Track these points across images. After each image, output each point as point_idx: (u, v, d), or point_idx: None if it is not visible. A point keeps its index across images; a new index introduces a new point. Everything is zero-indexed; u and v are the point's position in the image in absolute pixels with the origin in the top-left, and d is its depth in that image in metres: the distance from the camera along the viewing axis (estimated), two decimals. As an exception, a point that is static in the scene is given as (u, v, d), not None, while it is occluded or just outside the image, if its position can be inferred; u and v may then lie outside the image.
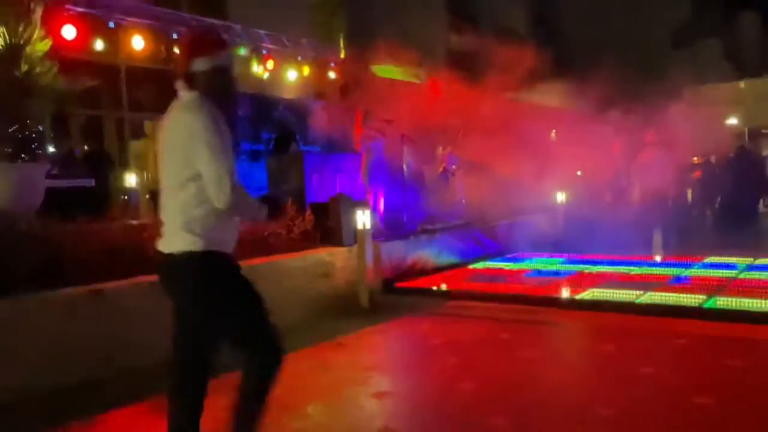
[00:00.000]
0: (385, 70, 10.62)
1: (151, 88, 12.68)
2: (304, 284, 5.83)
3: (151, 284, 4.75)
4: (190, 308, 2.42)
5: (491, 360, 4.30)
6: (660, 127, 10.86)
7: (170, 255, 2.36)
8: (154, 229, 5.92)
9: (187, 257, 2.34)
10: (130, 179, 9.38)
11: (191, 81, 2.38)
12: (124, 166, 11.65)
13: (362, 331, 5.31)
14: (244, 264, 5.58)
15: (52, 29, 8.12)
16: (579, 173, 12.13)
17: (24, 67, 6.18)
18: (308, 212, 6.60)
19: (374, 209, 7.48)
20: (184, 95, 2.40)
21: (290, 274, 5.73)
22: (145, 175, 13.63)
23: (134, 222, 6.91)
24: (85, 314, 4.28)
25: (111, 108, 12.03)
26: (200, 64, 2.37)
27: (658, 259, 7.76)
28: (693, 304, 5.09)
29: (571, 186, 10.42)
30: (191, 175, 2.29)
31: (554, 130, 13.74)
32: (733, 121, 18.54)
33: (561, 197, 9.83)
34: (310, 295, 5.84)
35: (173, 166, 2.34)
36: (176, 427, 2.51)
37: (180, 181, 2.31)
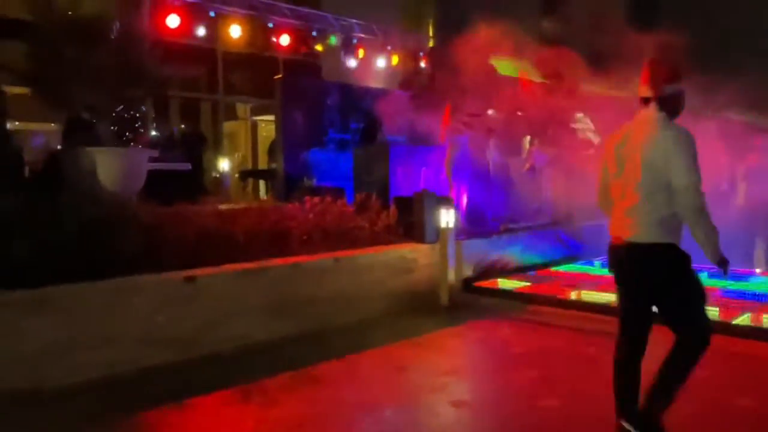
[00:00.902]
0: (504, 66, 10.39)
1: (246, 73, 13.12)
2: (385, 279, 5.87)
3: (241, 272, 4.97)
4: (645, 287, 2.90)
5: (575, 376, 4.18)
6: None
7: (636, 244, 2.86)
8: (242, 216, 6.18)
9: (654, 246, 2.83)
10: (223, 164, 9.74)
11: (662, 103, 2.88)
12: (218, 147, 12.17)
13: (441, 331, 5.31)
14: (330, 255, 5.72)
15: (158, 17, 8.58)
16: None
17: (132, 55, 6.52)
18: (392, 207, 6.63)
19: (457, 205, 7.40)
20: (653, 114, 2.89)
21: (373, 268, 5.79)
22: (236, 155, 14.16)
23: (225, 207, 7.21)
24: (179, 300, 4.51)
25: (207, 91, 12.56)
26: (670, 89, 2.89)
27: (758, 271, 7.24)
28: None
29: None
30: (665, 184, 2.77)
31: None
32: None
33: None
34: (391, 290, 5.89)
35: (650, 175, 2.81)
36: (624, 389, 3.01)
37: (655, 187, 2.80)
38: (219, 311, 4.70)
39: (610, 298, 5.88)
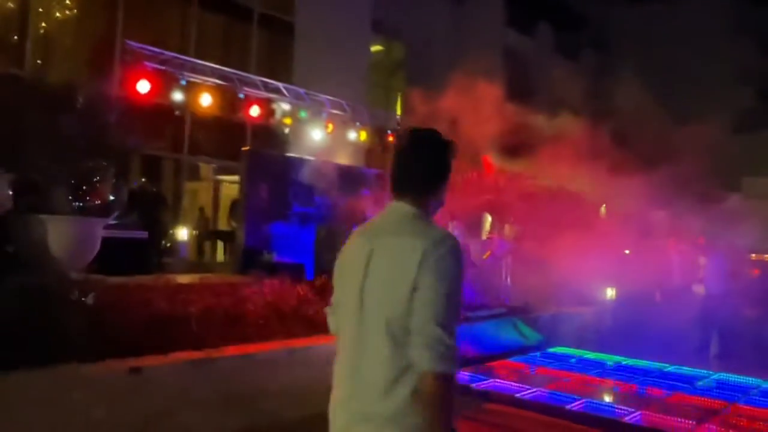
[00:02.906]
0: None
1: (212, 134, 13.07)
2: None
3: (189, 362, 4.75)
4: None
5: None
6: (714, 222, 10.51)
7: None
8: (197, 294, 5.98)
9: None
10: (182, 232, 9.51)
11: None
12: (178, 208, 11.93)
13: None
14: (284, 345, 5.50)
15: (128, 82, 8.53)
16: (627, 252, 11.79)
17: (96, 125, 6.39)
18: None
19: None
20: None
21: (330, 359, 5.62)
22: (198, 215, 13.91)
23: (180, 281, 7.00)
24: (122, 393, 4.26)
25: (172, 150, 12.42)
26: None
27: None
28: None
29: (620, 276, 10.09)
30: None
31: (604, 205, 13.42)
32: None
33: (610, 292, 9.52)
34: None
35: None
36: None
37: None
38: (164, 405, 4.45)
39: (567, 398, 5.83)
